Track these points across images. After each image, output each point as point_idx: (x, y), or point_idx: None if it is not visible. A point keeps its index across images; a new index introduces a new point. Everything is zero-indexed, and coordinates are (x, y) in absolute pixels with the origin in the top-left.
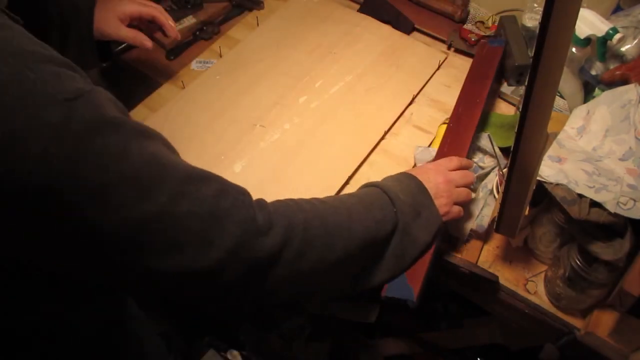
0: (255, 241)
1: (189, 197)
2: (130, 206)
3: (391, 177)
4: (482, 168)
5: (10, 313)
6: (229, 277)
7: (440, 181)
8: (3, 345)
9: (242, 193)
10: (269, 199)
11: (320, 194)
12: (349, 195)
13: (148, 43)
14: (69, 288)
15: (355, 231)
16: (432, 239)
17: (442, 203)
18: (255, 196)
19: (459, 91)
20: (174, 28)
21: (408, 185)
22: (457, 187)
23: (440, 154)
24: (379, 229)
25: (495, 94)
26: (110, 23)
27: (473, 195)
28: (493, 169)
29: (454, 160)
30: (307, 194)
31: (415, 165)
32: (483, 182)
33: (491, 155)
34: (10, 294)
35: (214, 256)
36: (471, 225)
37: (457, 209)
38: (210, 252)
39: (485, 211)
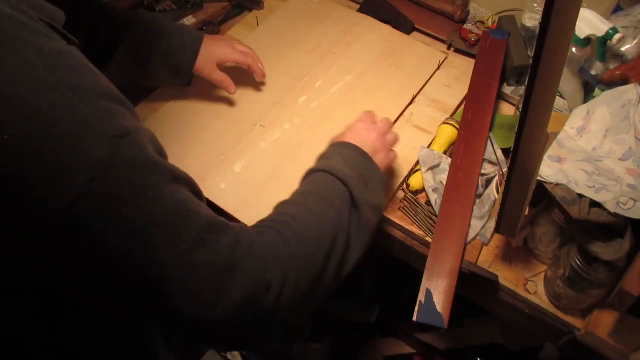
0: (262, 294)
1: (208, 246)
2: (156, 249)
3: (331, 151)
4: (484, 175)
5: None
6: (237, 327)
7: (374, 138)
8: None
9: (253, 242)
10: (269, 199)
11: None
12: (308, 193)
13: (232, 90)
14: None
15: (329, 234)
16: (382, 196)
17: (382, 157)
18: (255, 197)
19: (461, 91)
20: (263, 73)
21: (350, 156)
22: (386, 134)
23: (455, 166)
24: (342, 217)
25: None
26: (207, 65)
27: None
28: (495, 176)
29: (371, 114)
30: None
31: (417, 164)
32: (486, 193)
33: (491, 162)
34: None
35: (225, 308)
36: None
37: (392, 154)
38: (221, 304)
39: (489, 224)
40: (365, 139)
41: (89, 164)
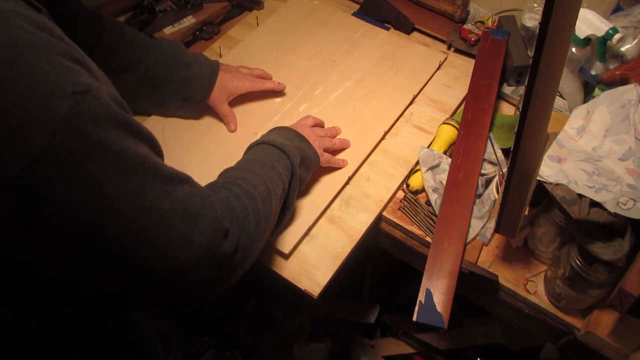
0: (222, 238)
1: (170, 196)
2: (124, 200)
3: (270, 132)
4: (484, 175)
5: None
6: (203, 272)
7: (307, 132)
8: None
9: (208, 195)
10: None
11: (321, 194)
12: (252, 161)
13: (233, 127)
14: (62, 291)
15: (273, 192)
16: (309, 174)
17: (316, 145)
18: None
19: (461, 91)
20: (280, 86)
21: (288, 134)
22: (323, 137)
23: (455, 166)
24: (284, 179)
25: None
26: (219, 96)
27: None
28: (495, 176)
29: (309, 119)
30: (307, 196)
31: (417, 164)
32: (486, 193)
33: (491, 162)
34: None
35: (192, 254)
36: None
37: (327, 155)
38: (189, 250)
39: (489, 224)
40: (299, 128)
41: (50, 120)
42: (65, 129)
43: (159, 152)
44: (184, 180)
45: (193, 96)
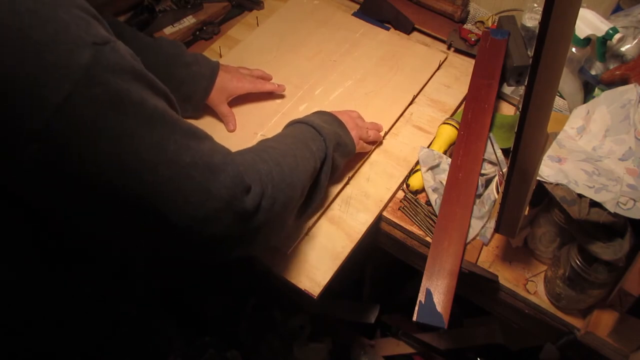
0: (243, 194)
1: (192, 150)
2: (144, 151)
3: (311, 114)
4: (484, 175)
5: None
6: (222, 226)
7: (347, 119)
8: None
9: (229, 153)
10: None
11: None
12: (286, 136)
13: (232, 127)
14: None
15: (303, 167)
16: (343, 162)
17: (354, 134)
18: None
19: (461, 91)
20: (280, 88)
21: (328, 118)
22: (366, 128)
23: (455, 166)
24: (316, 159)
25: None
26: (219, 97)
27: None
28: (495, 176)
29: (355, 112)
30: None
31: (417, 164)
32: (486, 193)
33: (491, 162)
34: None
35: (212, 206)
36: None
37: (363, 144)
38: (209, 201)
39: (489, 224)
40: (341, 116)
41: (71, 69)
42: (86, 78)
43: (176, 110)
44: (205, 136)
45: (192, 95)
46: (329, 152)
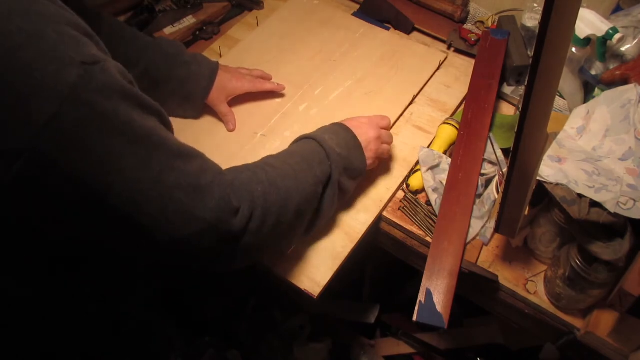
0: (229, 217)
1: (176, 170)
2: (128, 172)
3: (329, 128)
4: (484, 175)
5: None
6: (205, 246)
7: (372, 136)
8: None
9: (220, 172)
10: None
11: None
12: (292, 154)
13: (232, 127)
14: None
15: (303, 190)
16: (354, 185)
17: (369, 156)
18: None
19: (461, 91)
20: (280, 87)
21: (345, 137)
22: (383, 143)
23: (455, 166)
24: (318, 184)
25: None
26: (218, 96)
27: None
28: (495, 176)
29: (385, 120)
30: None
31: (417, 164)
32: (486, 193)
33: (491, 162)
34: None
35: (196, 227)
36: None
37: (377, 162)
38: (192, 223)
39: (489, 224)
40: (364, 132)
41: (59, 88)
42: (72, 98)
43: (169, 127)
44: (194, 155)
45: (192, 95)
46: (334, 177)
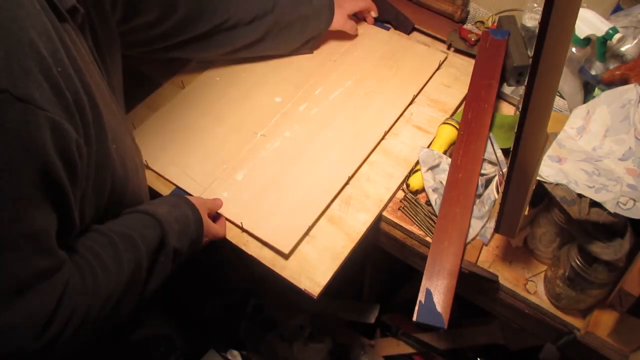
0: (38, 331)
1: None
2: None
3: (170, 201)
4: (484, 175)
5: None
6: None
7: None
8: None
9: (40, 276)
10: (270, 205)
11: (321, 195)
12: (123, 234)
13: (356, 32)
14: None
15: (129, 273)
16: (186, 248)
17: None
18: (257, 204)
19: (461, 91)
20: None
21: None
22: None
23: (455, 166)
24: (148, 259)
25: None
26: (340, 19)
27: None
28: (495, 176)
29: (217, 202)
30: (307, 196)
31: (417, 164)
32: (486, 193)
33: (491, 162)
34: None
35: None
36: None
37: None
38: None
39: (489, 224)
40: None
41: None
42: None
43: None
44: (17, 292)
45: (319, 29)
46: (165, 250)
